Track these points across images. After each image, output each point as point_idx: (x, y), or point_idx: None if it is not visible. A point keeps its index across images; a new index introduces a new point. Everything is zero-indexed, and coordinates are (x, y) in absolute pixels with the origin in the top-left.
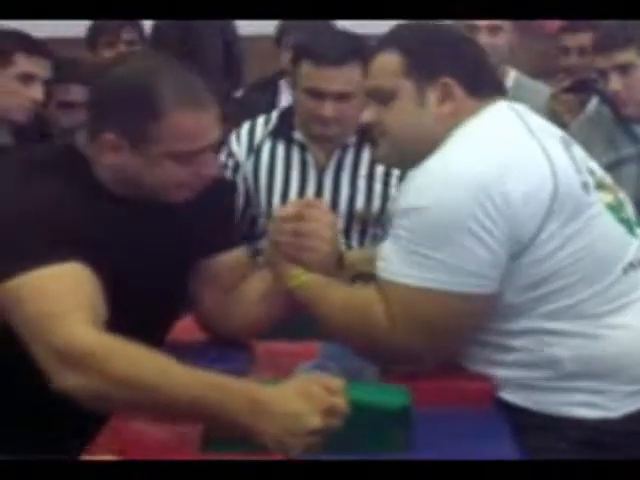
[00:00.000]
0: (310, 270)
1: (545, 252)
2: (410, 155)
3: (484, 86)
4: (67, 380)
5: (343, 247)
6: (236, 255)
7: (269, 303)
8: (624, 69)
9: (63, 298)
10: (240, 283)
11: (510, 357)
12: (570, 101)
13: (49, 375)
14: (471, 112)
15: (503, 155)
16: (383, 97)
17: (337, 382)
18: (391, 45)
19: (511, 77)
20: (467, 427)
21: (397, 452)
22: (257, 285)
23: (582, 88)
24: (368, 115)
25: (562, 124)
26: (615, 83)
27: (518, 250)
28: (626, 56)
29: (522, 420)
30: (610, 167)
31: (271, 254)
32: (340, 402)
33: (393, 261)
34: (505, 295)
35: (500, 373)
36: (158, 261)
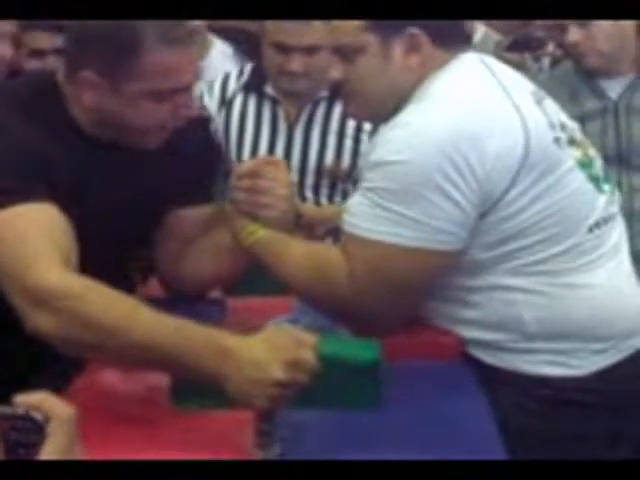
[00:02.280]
0: (267, 227)
1: (514, 210)
2: (380, 109)
3: (451, 38)
4: (39, 321)
5: (309, 205)
6: (201, 211)
7: (226, 258)
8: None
9: (34, 238)
10: (199, 236)
11: (474, 314)
12: (513, 59)
13: (22, 315)
14: (439, 64)
15: (474, 111)
16: (349, 53)
17: (309, 336)
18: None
19: (479, 32)
20: (435, 381)
21: (365, 406)
22: (215, 240)
23: (521, 46)
24: (335, 72)
25: None
26: (574, 34)
27: (487, 208)
28: None
29: (488, 375)
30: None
31: (230, 211)
32: (308, 356)
33: (359, 215)
34: (471, 251)
35: (465, 331)
36: (130, 206)
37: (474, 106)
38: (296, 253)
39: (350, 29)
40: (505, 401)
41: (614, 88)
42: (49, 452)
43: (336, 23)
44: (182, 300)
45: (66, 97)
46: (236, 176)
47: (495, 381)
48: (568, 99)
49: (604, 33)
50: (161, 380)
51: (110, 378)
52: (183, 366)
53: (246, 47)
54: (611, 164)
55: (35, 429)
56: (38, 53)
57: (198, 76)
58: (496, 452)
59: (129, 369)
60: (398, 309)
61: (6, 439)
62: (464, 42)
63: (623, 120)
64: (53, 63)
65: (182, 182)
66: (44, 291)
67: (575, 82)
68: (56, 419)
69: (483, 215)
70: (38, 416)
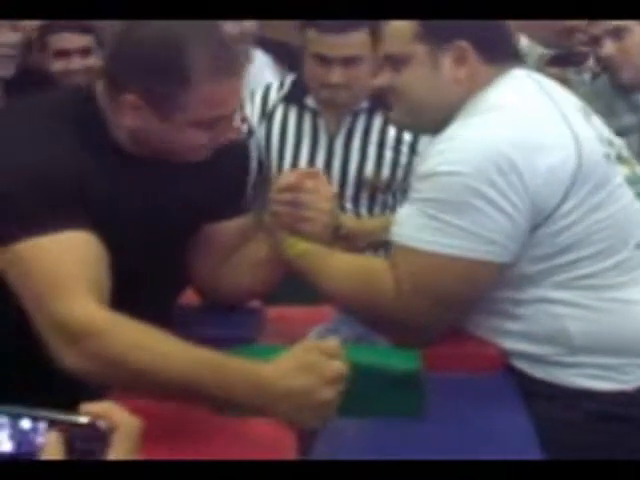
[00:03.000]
0: (307, 240)
1: (565, 224)
2: (425, 119)
3: (499, 52)
4: (67, 358)
5: (349, 217)
6: (239, 223)
7: (263, 270)
8: (617, 33)
9: (67, 269)
10: (237, 251)
11: (519, 327)
12: (556, 74)
13: (49, 347)
14: (487, 77)
15: (526, 124)
16: (397, 62)
17: (334, 345)
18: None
19: (522, 44)
20: (478, 393)
21: (408, 416)
22: (252, 252)
23: (563, 61)
24: (381, 80)
25: None
26: (609, 48)
27: (539, 221)
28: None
29: (531, 388)
30: None
31: (270, 223)
32: (340, 365)
33: (408, 225)
34: (519, 264)
35: (509, 343)
36: (166, 219)
37: (526, 120)
38: (339, 264)
39: (400, 38)
40: (550, 415)
41: None
42: None
43: (387, 31)
44: (220, 308)
45: (105, 114)
46: (277, 189)
47: (540, 395)
48: (605, 113)
49: (638, 47)
50: None
51: None
52: (220, 402)
53: (287, 59)
54: None
55: (99, 438)
56: (63, 54)
57: (242, 99)
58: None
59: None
60: (443, 320)
61: (70, 446)
62: (513, 57)
63: None
64: (78, 64)
65: (217, 195)
66: (73, 327)
67: (612, 96)
68: (121, 429)
69: (534, 228)
70: (103, 425)
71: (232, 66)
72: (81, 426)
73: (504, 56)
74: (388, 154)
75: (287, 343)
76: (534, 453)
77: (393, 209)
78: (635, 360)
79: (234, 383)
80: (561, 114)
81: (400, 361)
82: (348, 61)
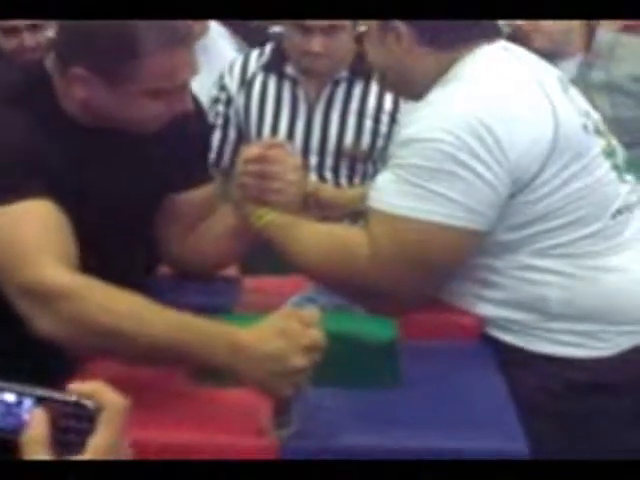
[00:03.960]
0: (276, 212)
1: (542, 193)
2: (406, 90)
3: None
4: (40, 323)
5: (328, 187)
6: (203, 193)
7: (229, 241)
8: None
9: (32, 237)
10: (204, 219)
11: (497, 294)
12: None
13: (24, 317)
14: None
15: (506, 96)
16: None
17: (312, 314)
18: None
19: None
20: (453, 361)
21: (384, 385)
22: (218, 222)
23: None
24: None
25: None
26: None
27: (517, 189)
28: None
29: (509, 356)
30: None
31: (236, 195)
32: (319, 336)
33: (387, 191)
34: (496, 232)
35: (486, 310)
36: (128, 195)
37: (504, 90)
38: (311, 232)
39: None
40: (528, 383)
41: (568, 68)
42: (98, 441)
43: None
44: (197, 278)
45: (57, 89)
46: (243, 160)
47: (517, 362)
48: None
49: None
50: None
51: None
52: (196, 363)
53: (242, 30)
54: None
55: (85, 417)
56: (13, 31)
57: (196, 71)
58: (514, 433)
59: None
60: (421, 288)
61: (56, 423)
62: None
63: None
64: (29, 40)
65: (179, 165)
66: (43, 291)
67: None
68: (108, 409)
69: (511, 196)
70: (90, 404)
71: (180, 36)
72: (68, 404)
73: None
74: (368, 123)
75: (264, 313)
76: (510, 421)
77: (373, 178)
78: (610, 327)
79: (211, 343)
80: (539, 84)
81: (376, 330)
82: (329, 30)
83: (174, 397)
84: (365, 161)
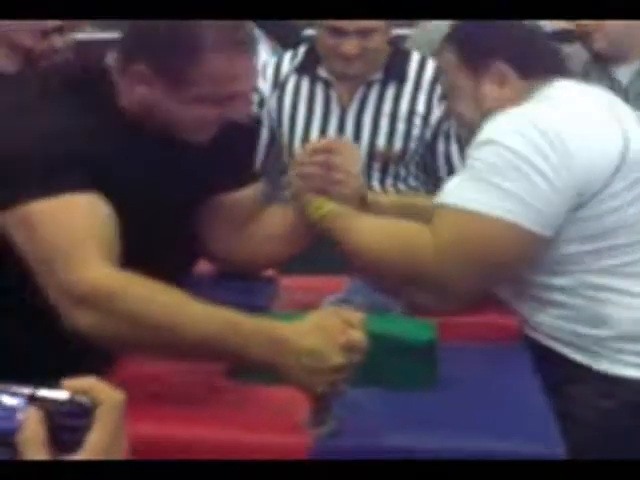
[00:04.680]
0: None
1: (606, 208)
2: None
3: (538, 65)
4: (78, 319)
5: (378, 192)
6: (249, 193)
7: (282, 241)
8: None
9: (76, 230)
10: (251, 221)
11: (557, 312)
12: None
13: (60, 311)
14: (529, 92)
15: (579, 112)
16: (451, 92)
17: (356, 315)
18: (446, 45)
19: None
20: (493, 364)
21: (422, 387)
22: (271, 222)
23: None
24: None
25: None
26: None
27: (582, 201)
28: None
29: (568, 372)
30: None
31: (296, 186)
32: (359, 336)
33: (457, 186)
34: (560, 243)
35: (551, 325)
36: (176, 195)
37: (579, 109)
38: (372, 223)
39: (447, 71)
40: (582, 399)
41: (624, 74)
42: (96, 438)
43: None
44: (234, 278)
45: (116, 86)
46: (309, 151)
47: (575, 379)
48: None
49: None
50: None
51: None
52: (236, 358)
53: (279, 35)
54: None
55: (81, 414)
56: (44, 33)
57: (256, 81)
58: (552, 437)
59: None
60: (478, 283)
61: (51, 422)
62: (555, 69)
63: (633, 106)
64: (57, 42)
65: (227, 165)
66: (86, 289)
67: (587, 66)
68: (105, 405)
69: (577, 208)
70: (85, 401)
71: (243, 42)
72: (63, 402)
73: (544, 68)
74: (400, 126)
75: (301, 312)
76: (548, 425)
77: (405, 181)
78: None
79: (250, 337)
80: (610, 107)
81: (416, 332)
82: (363, 32)
83: (209, 394)
84: (397, 163)
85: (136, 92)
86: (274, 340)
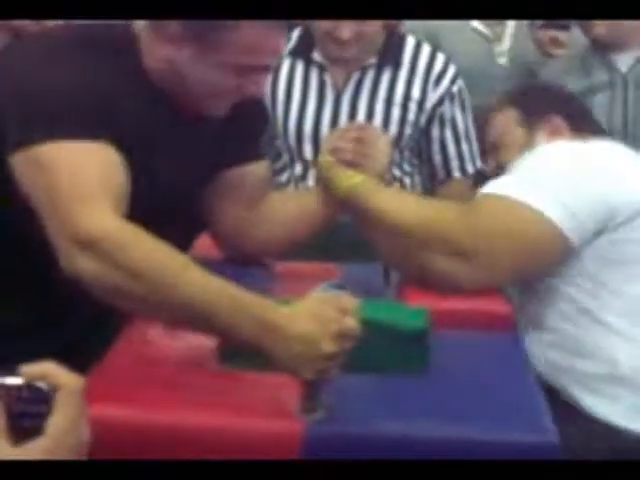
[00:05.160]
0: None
1: (628, 237)
2: None
3: (587, 124)
4: (81, 265)
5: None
6: (258, 169)
7: (294, 226)
8: None
9: (90, 176)
10: (261, 204)
11: (567, 343)
12: (548, 35)
13: (60, 253)
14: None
15: (616, 159)
16: (500, 148)
17: (350, 301)
18: (508, 101)
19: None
20: (485, 352)
21: (414, 376)
22: (285, 207)
23: (555, 24)
24: (489, 165)
25: (547, 54)
26: None
27: (606, 226)
28: None
29: (567, 410)
30: (582, 95)
31: (325, 161)
32: (352, 323)
33: (499, 179)
34: (579, 278)
35: (550, 360)
36: (188, 163)
37: (614, 155)
38: (405, 195)
39: (505, 127)
40: (577, 439)
41: (624, 61)
42: (57, 422)
43: (493, 122)
44: (230, 262)
45: (142, 46)
46: (343, 128)
47: (572, 418)
48: (578, 71)
49: None
50: (205, 341)
51: (152, 338)
52: (226, 330)
53: None
54: (617, 137)
55: (41, 399)
56: None
57: (278, 59)
58: (543, 425)
59: (170, 328)
60: (506, 268)
61: (10, 410)
62: (598, 130)
63: (632, 93)
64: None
65: (231, 140)
66: (90, 232)
67: (587, 55)
68: (64, 389)
69: (600, 232)
70: (44, 386)
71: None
72: (21, 388)
73: (591, 128)
74: (396, 111)
75: (297, 298)
76: (539, 413)
77: (400, 167)
78: None
79: (242, 311)
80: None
81: (409, 319)
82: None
83: (201, 377)
84: (392, 148)
85: (163, 52)
86: (265, 324)
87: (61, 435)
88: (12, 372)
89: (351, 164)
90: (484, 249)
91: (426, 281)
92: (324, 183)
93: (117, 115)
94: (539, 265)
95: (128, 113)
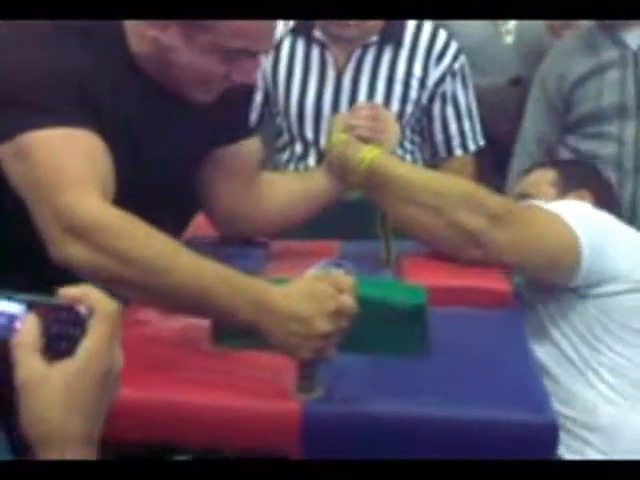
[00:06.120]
0: None
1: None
2: None
3: (607, 200)
4: (70, 251)
5: None
6: (249, 146)
7: (298, 206)
8: None
9: (74, 163)
10: (257, 183)
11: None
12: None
13: (49, 241)
14: None
15: (614, 222)
16: (528, 198)
17: (346, 279)
18: (548, 165)
19: None
20: (482, 329)
21: (411, 352)
22: (289, 187)
23: None
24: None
25: (556, 34)
26: None
27: (592, 281)
28: None
29: None
30: (592, 73)
31: (341, 140)
32: (349, 302)
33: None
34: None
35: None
36: (177, 147)
37: (614, 220)
38: (427, 170)
39: (542, 184)
40: None
41: (634, 38)
42: (87, 346)
43: (532, 178)
44: (225, 241)
45: (128, 30)
46: (355, 107)
47: None
48: (585, 50)
49: None
50: (200, 321)
51: (147, 317)
52: (221, 314)
53: None
54: (629, 114)
55: (78, 322)
56: None
57: (270, 46)
58: (541, 403)
59: (165, 313)
60: (525, 245)
61: (48, 331)
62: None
63: None
64: None
65: (222, 119)
66: (80, 221)
67: (595, 31)
68: (99, 312)
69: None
70: (83, 309)
71: None
72: (60, 309)
73: (609, 203)
74: (397, 88)
75: (293, 277)
76: (537, 391)
77: (401, 145)
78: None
79: (238, 294)
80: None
81: (406, 296)
82: None
83: (197, 358)
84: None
85: (149, 35)
86: (260, 303)
87: (92, 359)
88: (53, 294)
89: (367, 140)
90: (516, 219)
91: (452, 242)
92: (339, 162)
93: (101, 100)
94: (552, 258)
95: (113, 98)
